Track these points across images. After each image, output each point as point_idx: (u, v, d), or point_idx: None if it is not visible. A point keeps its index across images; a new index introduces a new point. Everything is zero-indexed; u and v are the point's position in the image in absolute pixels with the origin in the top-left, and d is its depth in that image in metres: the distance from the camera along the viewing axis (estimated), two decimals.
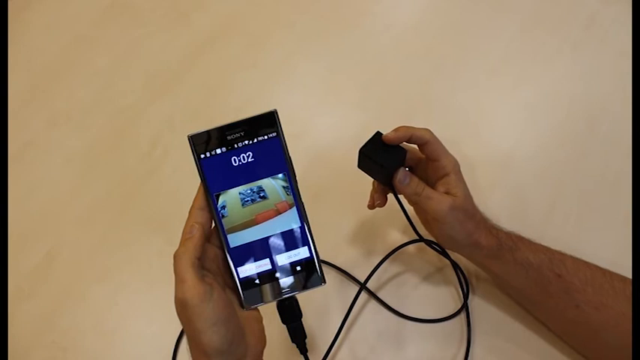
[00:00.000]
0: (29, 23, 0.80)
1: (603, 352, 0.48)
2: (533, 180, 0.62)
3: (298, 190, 0.42)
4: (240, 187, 0.41)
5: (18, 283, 0.60)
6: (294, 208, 0.42)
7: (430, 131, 0.48)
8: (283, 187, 0.42)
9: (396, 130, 0.47)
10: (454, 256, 0.55)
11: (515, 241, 0.50)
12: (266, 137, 0.41)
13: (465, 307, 0.55)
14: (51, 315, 0.58)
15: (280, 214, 0.42)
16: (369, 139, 0.48)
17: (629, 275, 0.47)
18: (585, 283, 0.47)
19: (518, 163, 0.63)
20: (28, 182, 0.67)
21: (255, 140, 0.41)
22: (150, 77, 0.74)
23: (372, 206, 0.54)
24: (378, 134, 0.48)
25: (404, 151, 0.48)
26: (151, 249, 0.61)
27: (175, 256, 0.39)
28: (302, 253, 0.42)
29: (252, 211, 0.42)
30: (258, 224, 0.42)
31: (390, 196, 0.52)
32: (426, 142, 0.48)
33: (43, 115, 0.72)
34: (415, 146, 0.49)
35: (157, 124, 0.70)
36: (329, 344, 0.52)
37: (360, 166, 0.50)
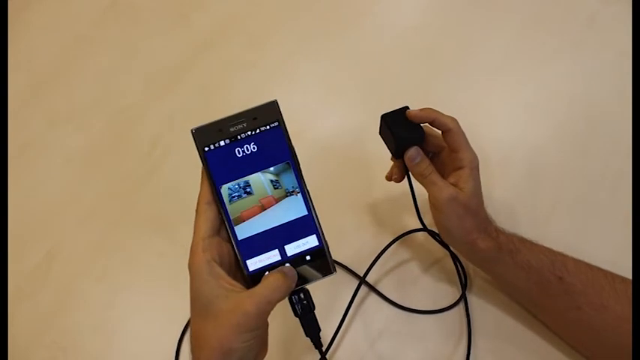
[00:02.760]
0: (29, 23, 0.80)
1: (604, 353, 0.48)
2: (534, 180, 0.62)
3: (303, 178, 0.42)
4: (230, 183, 0.41)
5: (18, 283, 0.60)
6: (300, 197, 0.42)
7: (456, 121, 0.48)
8: (271, 180, 0.41)
9: (421, 109, 0.48)
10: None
11: (517, 243, 0.49)
12: (268, 127, 0.41)
13: (463, 298, 0.55)
14: (51, 315, 0.58)
15: (265, 209, 0.41)
16: (396, 109, 0.48)
17: (629, 275, 0.47)
18: (587, 284, 0.47)
19: (518, 163, 0.63)
20: (28, 182, 0.67)
21: (258, 131, 0.41)
22: (150, 77, 0.74)
23: (389, 178, 0.54)
24: (405, 108, 0.48)
25: (422, 132, 0.48)
26: (151, 249, 0.61)
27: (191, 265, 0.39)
28: (311, 241, 0.42)
29: (238, 208, 0.41)
30: (244, 221, 0.41)
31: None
32: (448, 129, 0.48)
33: (43, 115, 0.72)
34: (440, 133, 0.49)
35: (157, 124, 0.70)
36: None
37: (380, 132, 0.50)
